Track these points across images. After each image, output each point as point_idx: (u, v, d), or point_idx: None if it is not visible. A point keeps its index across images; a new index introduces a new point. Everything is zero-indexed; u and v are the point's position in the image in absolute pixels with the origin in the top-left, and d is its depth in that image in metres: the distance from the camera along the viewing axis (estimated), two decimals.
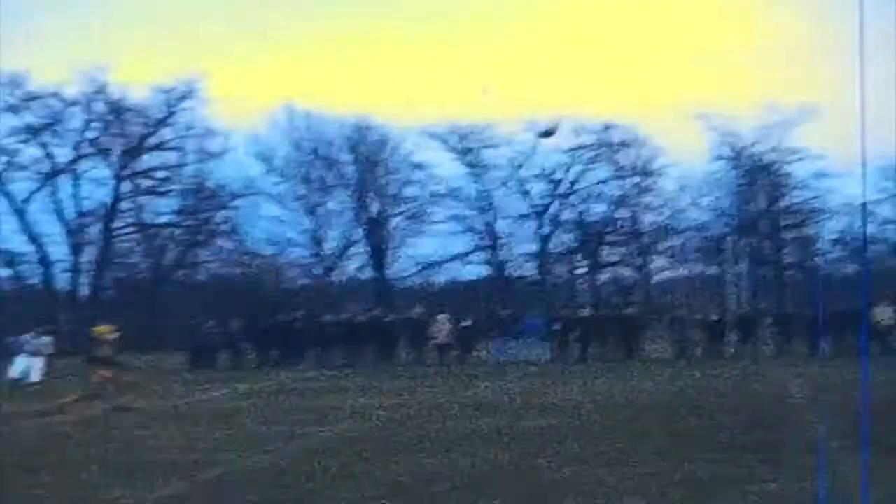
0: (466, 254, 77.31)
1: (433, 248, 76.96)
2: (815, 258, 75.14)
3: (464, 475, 14.16)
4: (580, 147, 75.21)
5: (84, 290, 73.81)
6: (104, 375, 24.52)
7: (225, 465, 15.73)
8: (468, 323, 48.13)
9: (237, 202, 76.08)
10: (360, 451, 17.00)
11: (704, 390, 27.26)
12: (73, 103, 72.43)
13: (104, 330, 25.42)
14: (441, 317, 47.69)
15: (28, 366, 29.49)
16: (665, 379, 32.12)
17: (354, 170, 77.31)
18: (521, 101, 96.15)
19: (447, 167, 76.81)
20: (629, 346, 45.45)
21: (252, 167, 76.64)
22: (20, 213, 72.40)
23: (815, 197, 73.53)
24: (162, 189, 76.25)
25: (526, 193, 76.61)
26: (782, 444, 16.62)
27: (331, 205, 77.65)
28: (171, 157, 75.87)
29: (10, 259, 73.10)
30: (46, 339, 30.94)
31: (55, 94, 71.81)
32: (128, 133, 74.09)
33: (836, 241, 74.21)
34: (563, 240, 77.45)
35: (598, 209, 76.85)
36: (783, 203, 75.11)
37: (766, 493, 12.26)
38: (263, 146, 76.45)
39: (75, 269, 73.20)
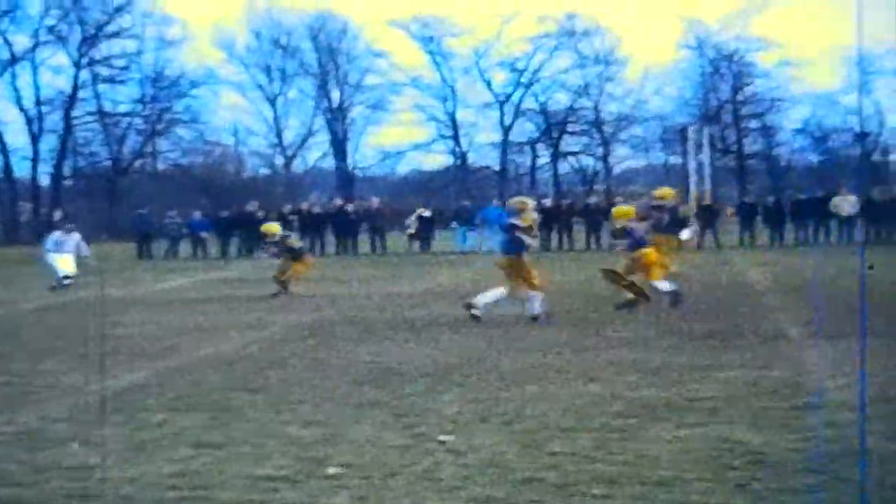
0: (428, 143, 77.05)
1: (395, 138, 76.80)
2: (778, 147, 75.28)
3: (426, 362, 14.16)
4: (543, 36, 74.74)
5: (44, 180, 73.25)
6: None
7: (185, 352, 15.70)
8: (429, 213, 47.89)
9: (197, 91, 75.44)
10: (324, 338, 17.01)
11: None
12: None
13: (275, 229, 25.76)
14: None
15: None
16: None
17: (315, 59, 76.63)
18: None
19: (409, 56, 76.46)
20: (591, 235, 45.41)
21: (212, 56, 76.13)
22: None
23: (778, 86, 73.53)
24: (121, 77, 75.36)
25: (488, 82, 76.24)
26: (746, 332, 16.63)
27: (291, 94, 77.16)
28: (129, 44, 74.95)
29: None
30: (76, 234, 30.07)
31: None
32: (86, 20, 72.92)
33: (799, 131, 74.46)
34: (526, 129, 77.22)
35: (561, 98, 76.62)
36: (747, 92, 74.96)
37: (730, 380, 12.31)
38: (224, 35, 75.73)
39: (34, 158, 72.39)
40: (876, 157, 73.48)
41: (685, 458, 8.78)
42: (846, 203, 44.10)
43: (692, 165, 53.75)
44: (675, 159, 73.17)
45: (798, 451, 8.91)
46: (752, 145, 75.70)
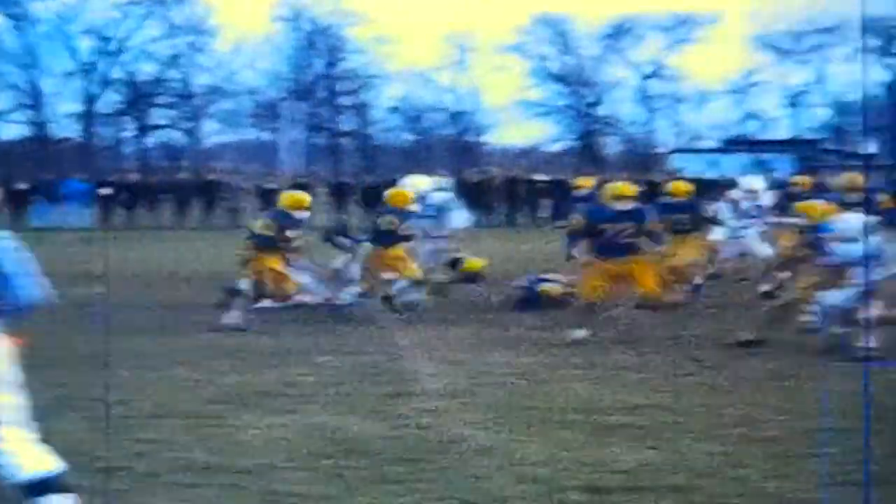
0: (6, 112, 73.54)
1: None
2: (371, 125, 75.51)
3: None
4: (131, 2, 72.60)
5: None
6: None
7: None
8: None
9: None
10: None
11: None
12: None
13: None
14: None
15: None
16: (216, 247, 30.87)
17: None
18: None
19: None
20: (181, 213, 44.36)
21: None
22: None
23: (373, 62, 73.74)
24: None
25: (73, 50, 73.39)
26: (339, 317, 16.53)
27: None
28: None
29: None
30: None
31: None
32: None
33: (392, 109, 74.94)
34: (111, 100, 74.76)
35: (149, 69, 74.50)
36: (341, 68, 74.75)
37: (325, 365, 12.44)
38: None
39: None
40: (470, 137, 74.76)
41: (278, 446, 8.74)
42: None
43: (284, 142, 53.01)
44: (266, 135, 72.51)
45: (393, 438, 8.96)
46: (345, 123, 75.55)
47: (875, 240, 12.79)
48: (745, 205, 19.37)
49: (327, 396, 10.62)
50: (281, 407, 10.16)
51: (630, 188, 14.65)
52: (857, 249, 12.64)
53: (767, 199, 19.44)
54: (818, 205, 14.61)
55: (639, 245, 14.21)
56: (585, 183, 21.57)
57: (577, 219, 14.70)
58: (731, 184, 22.13)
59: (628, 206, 14.06)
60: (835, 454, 8.24)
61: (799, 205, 15.50)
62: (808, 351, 12.79)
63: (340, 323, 15.75)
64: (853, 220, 13.12)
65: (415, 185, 18.57)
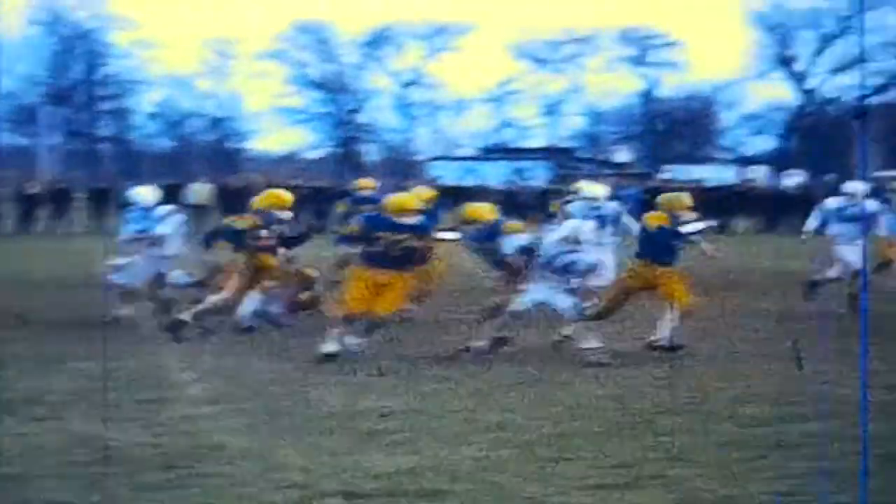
0: None
1: None
2: (131, 131, 74.19)
3: None
4: None
5: None
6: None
7: None
8: None
9: None
10: None
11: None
12: None
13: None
14: None
15: None
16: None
17: None
18: None
19: None
20: None
21: None
22: None
23: (134, 67, 72.58)
24: None
25: None
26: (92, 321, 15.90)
27: None
28: None
29: None
30: None
31: None
32: None
33: (153, 115, 73.75)
34: None
35: None
36: (101, 72, 73.33)
37: (81, 372, 12.15)
38: None
39: None
40: (230, 143, 74.11)
41: (34, 454, 8.59)
42: (204, 190, 43.76)
43: (42, 147, 51.95)
44: (24, 140, 70.65)
45: (153, 445, 8.96)
46: (105, 128, 74.15)
47: (596, 246, 13.37)
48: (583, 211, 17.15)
49: (86, 403, 10.45)
50: (39, 414, 10.01)
51: (415, 201, 14.36)
52: (579, 257, 13.27)
53: (611, 207, 17.71)
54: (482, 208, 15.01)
55: (413, 258, 13.92)
56: (367, 184, 20.91)
57: (353, 225, 14.35)
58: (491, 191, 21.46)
59: (412, 219, 13.69)
60: (589, 457, 8.65)
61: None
62: (555, 357, 13.25)
63: (99, 329, 15.15)
64: (576, 228, 13.75)
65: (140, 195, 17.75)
